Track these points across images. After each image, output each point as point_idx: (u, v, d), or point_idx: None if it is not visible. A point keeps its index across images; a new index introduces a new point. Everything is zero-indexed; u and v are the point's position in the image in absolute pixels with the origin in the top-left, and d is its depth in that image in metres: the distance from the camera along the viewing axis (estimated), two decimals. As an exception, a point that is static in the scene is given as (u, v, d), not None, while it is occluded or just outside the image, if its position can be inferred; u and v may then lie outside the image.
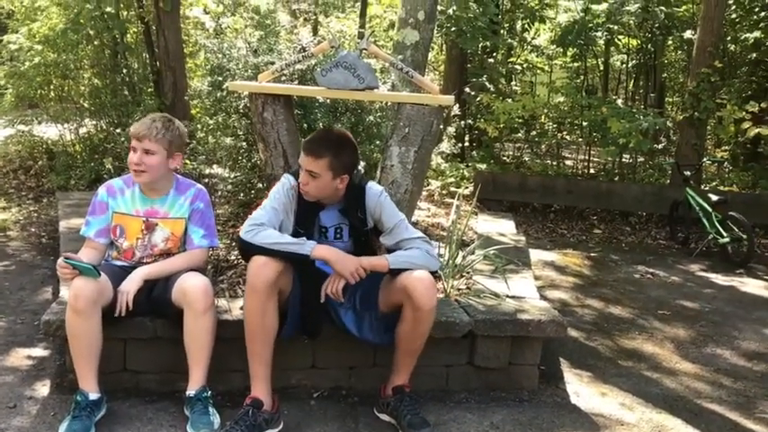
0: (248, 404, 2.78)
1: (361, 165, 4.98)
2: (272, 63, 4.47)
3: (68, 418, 2.72)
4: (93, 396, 2.78)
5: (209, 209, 3.20)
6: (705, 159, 8.57)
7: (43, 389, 3.11)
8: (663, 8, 9.86)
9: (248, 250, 2.80)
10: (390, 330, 2.94)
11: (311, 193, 2.93)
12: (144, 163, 3.00)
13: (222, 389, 3.08)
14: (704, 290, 5.61)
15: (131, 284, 2.92)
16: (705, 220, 6.81)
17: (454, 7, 9.48)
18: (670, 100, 13.69)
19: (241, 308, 3.14)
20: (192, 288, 2.85)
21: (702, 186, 8.43)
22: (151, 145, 2.99)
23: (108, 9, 8.39)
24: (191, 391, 2.85)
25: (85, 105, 8.76)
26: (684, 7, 10.51)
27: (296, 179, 2.98)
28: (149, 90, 8.82)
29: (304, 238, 2.84)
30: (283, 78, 4.39)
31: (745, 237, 6.38)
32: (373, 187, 3.04)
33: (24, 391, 3.09)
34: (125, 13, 8.93)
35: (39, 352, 3.54)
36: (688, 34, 10.26)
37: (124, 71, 8.83)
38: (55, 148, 8.61)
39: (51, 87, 8.92)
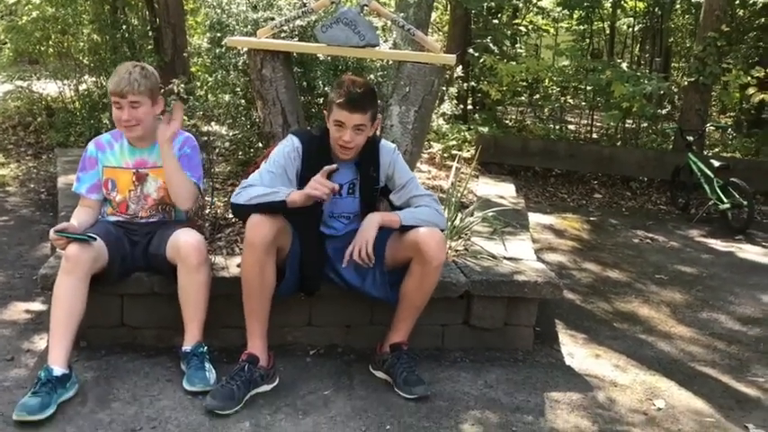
0: (244, 360, 2.79)
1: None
2: (272, 19, 4.40)
3: (28, 394, 2.53)
4: (58, 372, 2.58)
5: (196, 152, 3.14)
6: (708, 125, 8.50)
7: (41, 342, 3.13)
8: (671, -30, 9.71)
9: (237, 212, 2.80)
10: (394, 287, 2.95)
11: (355, 150, 2.89)
12: (134, 117, 2.95)
13: (219, 345, 3.10)
14: (702, 255, 5.62)
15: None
16: (706, 186, 6.80)
17: (459, -34, 9.32)
18: (676, 65, 13.56)
19: (238, 265, 3.15)
20: (184, 244, 2.84)
21: (705, 152, 8.39)
22: (136, 97, 2.93)
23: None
24: (186, 347, 2.86)
25: (85, 62, 8.66)
26: (693, -30, 10.36)
27: (300, 140, 2.92)
28: (149, 47, 8.71)
29: (281, 187, 2.76)
30: (283, 35, 4.33)
31: (745, 203, 6.36)
32: (387, 144, 3.05)
33: (22, 344, 3.12)
34: (124, -34, 8.78)
35: (36, 306, 3.55)
36: (696, -3, 10.12)
37: (124, 27, 8.71)
38: (54, 105, 8.55)
39: (50, 43, 8.81)
